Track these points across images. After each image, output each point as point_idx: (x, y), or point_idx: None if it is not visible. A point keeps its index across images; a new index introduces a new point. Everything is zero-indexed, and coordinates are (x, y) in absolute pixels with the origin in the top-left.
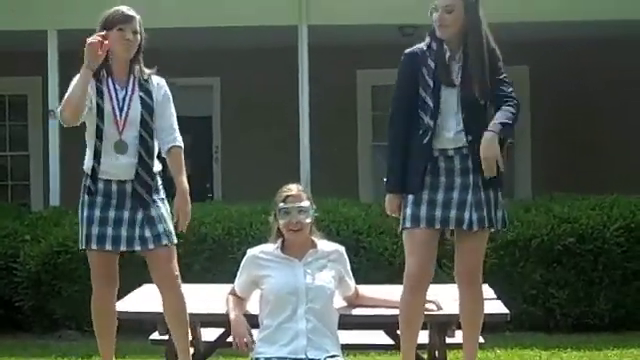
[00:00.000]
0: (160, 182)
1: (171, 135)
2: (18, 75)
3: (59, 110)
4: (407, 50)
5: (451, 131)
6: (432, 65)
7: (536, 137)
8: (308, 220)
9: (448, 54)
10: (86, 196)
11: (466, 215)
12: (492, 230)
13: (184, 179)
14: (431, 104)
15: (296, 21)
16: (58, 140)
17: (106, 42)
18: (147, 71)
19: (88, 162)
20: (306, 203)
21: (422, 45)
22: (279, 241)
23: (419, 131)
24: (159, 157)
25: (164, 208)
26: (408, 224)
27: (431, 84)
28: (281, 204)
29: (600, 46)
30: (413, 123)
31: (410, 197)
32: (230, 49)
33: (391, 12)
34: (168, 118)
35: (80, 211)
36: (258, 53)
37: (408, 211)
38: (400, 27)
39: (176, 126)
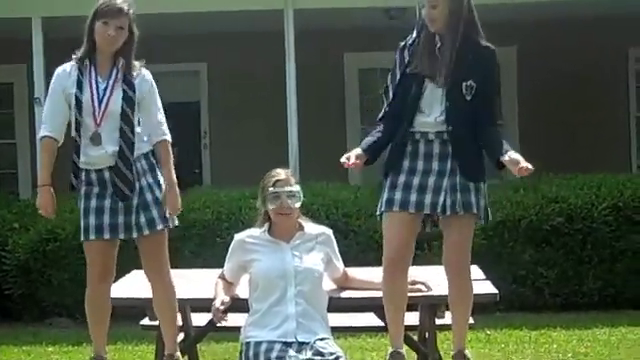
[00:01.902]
0: (153, 162)
1: (158, 129)
2: (3, 63)
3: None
4: (401, 43)
5: (431, 116)
6: (406, 56)
7: (524, 117)
8: (298, 204)
9: (439, 44)
10: (82, 188)
11: (440, 199)
12: (475, 218)
13: (172, 172)
14: (390, 92)
15: (282, 5)
16: None
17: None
18: (137, 64)
19: (73, 155)
20: (296, 187)
21: (409, 37)
22: (266, 225)
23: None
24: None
25: (157, 191)
26: (384, 208)
27: (398, 74)
28: (270, 189)
29: (587, 26)
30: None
31: (387, 182)
32: (216, 34)
33: None
34: (155, 114)
35: (78, 204)
36: (245, 38)
37: (385, 195)
38: (386, 10)
39: (163, 119)
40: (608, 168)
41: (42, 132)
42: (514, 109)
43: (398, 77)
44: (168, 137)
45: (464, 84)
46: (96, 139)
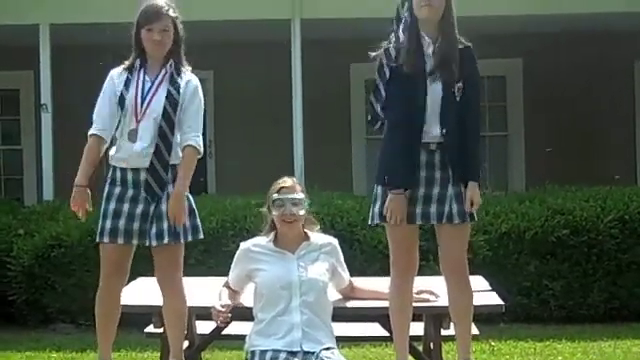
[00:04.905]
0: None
1: (188, 134)
2: (10, 70)
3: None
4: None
5: (432, 125)
6: (393, 53)
7: (529, 129)
8: (302, 212)
9: (427, 39)
10: (106, 187)
11: (446, 208)
12: (472, 221)
13: (185, 179)
14: (383, 93)
15: (290, 15)
16: (51, 134)
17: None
18: (186, 67)
19: (111, 152)
20: (300, 195)
21: (386, 42)
22: (272, 234)
23: (369, 117)
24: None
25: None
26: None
27: (387, 74)
28: (275, 195)
29: (593, 38)
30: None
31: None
32: (223, 43)
33: (384, 5)
34: (190, 115)
35: (100, 204)
36: (251, 47)
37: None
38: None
39: (197, 126)
40: (614, 181)
41: (91, 130)
42: (520, 121)
43: (388, 75)
44: (194, 143)
45: (457, 85)
46: (133, 136)
